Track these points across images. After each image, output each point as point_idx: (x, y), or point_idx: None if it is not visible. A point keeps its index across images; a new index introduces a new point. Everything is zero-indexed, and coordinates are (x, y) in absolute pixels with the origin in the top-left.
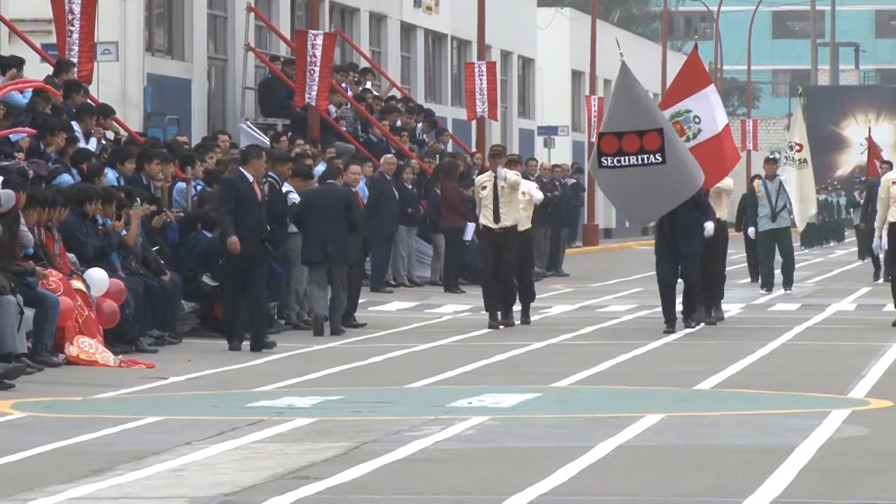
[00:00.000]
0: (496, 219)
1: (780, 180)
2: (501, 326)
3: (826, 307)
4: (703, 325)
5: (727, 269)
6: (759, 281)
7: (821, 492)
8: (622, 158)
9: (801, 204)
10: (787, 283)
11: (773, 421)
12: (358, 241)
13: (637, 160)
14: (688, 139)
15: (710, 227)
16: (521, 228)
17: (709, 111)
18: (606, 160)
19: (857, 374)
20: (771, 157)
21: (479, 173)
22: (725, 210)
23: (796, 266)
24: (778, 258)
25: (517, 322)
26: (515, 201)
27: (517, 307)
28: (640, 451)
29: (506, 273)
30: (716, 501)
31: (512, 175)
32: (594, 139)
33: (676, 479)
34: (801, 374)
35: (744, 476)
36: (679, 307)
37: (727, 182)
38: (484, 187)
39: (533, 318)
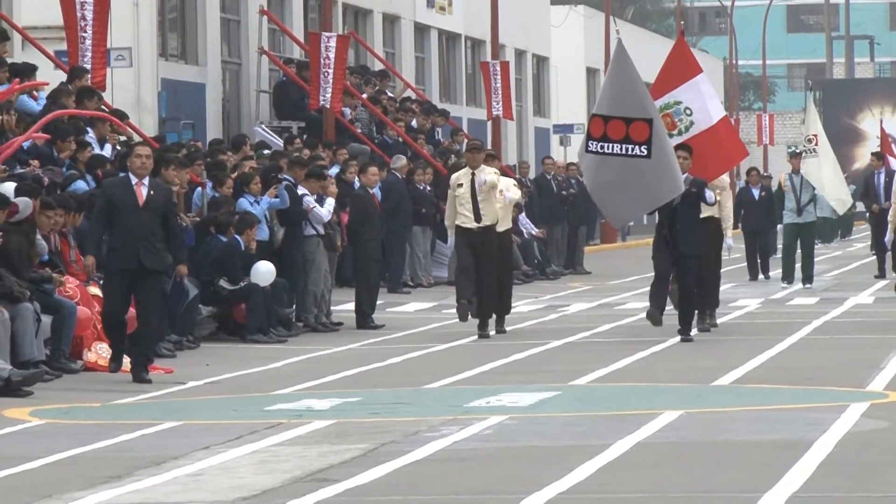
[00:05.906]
0: (476, 218)
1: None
2: (480, 337)
3: (844, 301)
4: (696, 331)
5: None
6: (781, 275)
7: (840, 486)
8: (605, 145)
9: (831, 188)
10: (807, 278)
11: (792, 415)
12: (376, 242)
13: (620, 149)
14: (679, 132)
15: (710, 195)
16: (500, 229)
17: (701, 102)
18: (592, 144)
19: (875, 367)
20: (797, 151)
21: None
22: (716, 207)
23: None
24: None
25: (492, 332)
26: (494, 199)
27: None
28: (658, 448)
29: (486, 277)
30: (735, 497)
31: (491, 176)
32: None
33: (695, 475)
34: (820, 369)
35: (763, 471)
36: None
37: (720, 178)
38: (460, 184)
39: (551, 316)
